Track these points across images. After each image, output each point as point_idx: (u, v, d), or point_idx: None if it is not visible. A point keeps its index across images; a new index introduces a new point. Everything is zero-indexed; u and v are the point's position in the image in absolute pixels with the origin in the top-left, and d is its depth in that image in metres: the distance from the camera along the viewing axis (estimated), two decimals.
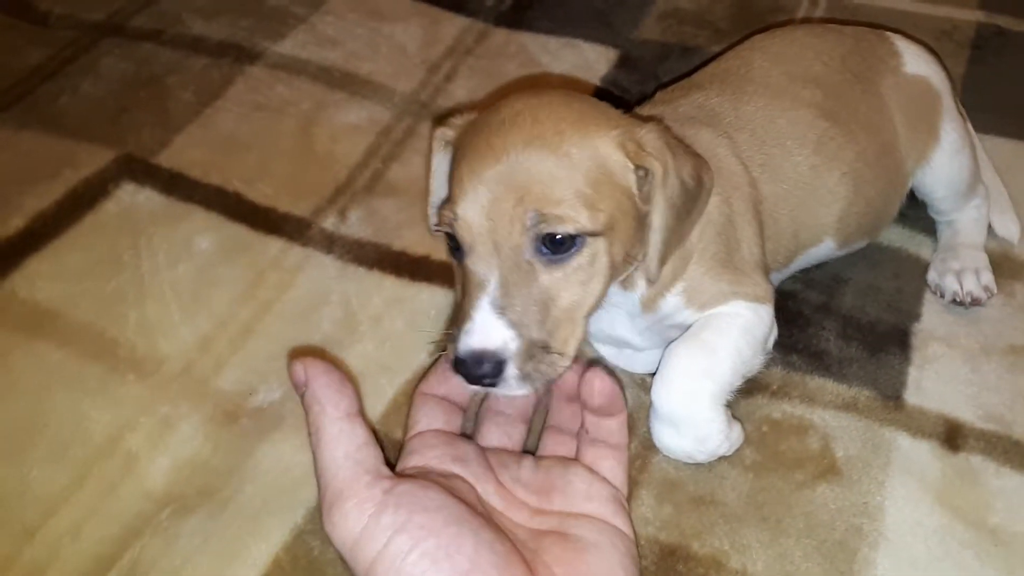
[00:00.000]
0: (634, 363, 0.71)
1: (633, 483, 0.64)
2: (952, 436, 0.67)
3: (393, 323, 0.76)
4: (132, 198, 0.84)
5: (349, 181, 0.89)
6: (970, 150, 0.79)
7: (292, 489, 0.64)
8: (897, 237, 0.83)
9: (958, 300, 0.76)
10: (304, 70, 1.00)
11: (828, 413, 0.68)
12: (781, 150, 0.69)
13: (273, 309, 0.77)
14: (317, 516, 0.62)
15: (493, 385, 0.56)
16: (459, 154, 0.59)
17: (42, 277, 0.77)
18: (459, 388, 0.60)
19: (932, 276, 0.79)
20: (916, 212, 0.83)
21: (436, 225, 0.59)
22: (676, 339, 0.64)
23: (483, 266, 0.55)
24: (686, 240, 0.62)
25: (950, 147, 0.76)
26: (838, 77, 0.74)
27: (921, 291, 0.78)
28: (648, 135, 0.57)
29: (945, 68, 0.81)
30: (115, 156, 0.87)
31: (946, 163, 0.77)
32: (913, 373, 0.72)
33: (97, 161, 0.87)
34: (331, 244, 0.82)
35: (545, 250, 0.55)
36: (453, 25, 1.08)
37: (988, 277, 0.77)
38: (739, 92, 0.72)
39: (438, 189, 0.65)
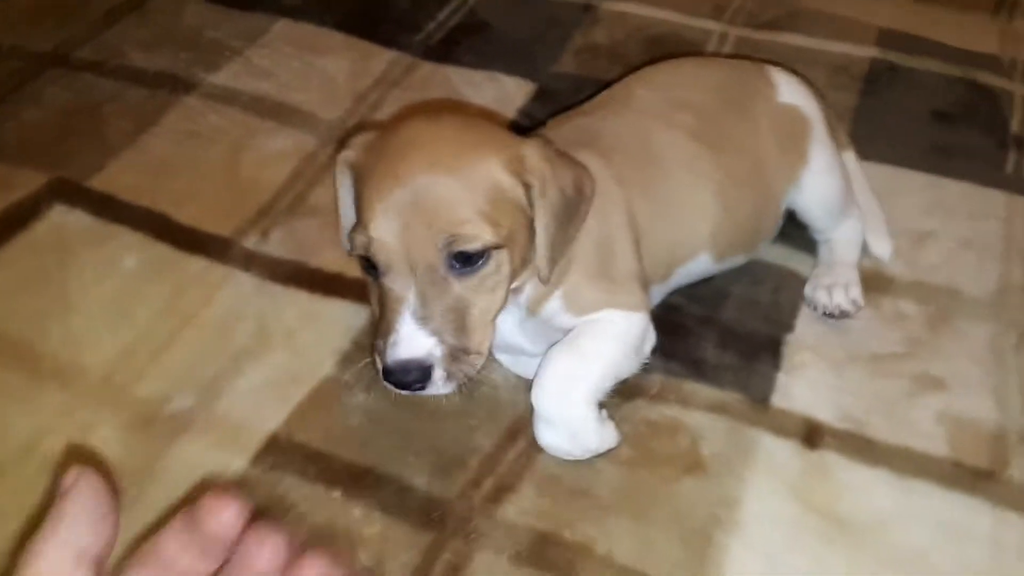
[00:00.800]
0: (528, 369, 0.77)
1: (517, 478, 0.70)
2: (811, 435, 0.74)
3: (304, 336, 0.81)
4: (63, 219, 0.89)
5: (272, 203, 0.94)
6: (840, 174, 0.86)
7: (194, 488, 0.69)
8: (779, 254, 0.90)
9: (828, 312, 0.82)
10: (236, 100, 1.06)
11: (700, 414, 0.74)
12: (654, 169, 0.76)
13: (192, 323, 0.82)
14: None
15: (422, 389, 0.62)
16: (363, 176, 0.65)
17: None
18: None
19: (807, 291, 0.85)
20: (797, 232, 0.90)
21: (350, 250, 0.64)
22: (554, 344, 0.71)
23: (401, 283, 0.62)
24: (572, 243, 0.68)
25: (819, 169, 0.84)
26: (713, 103, 0.82)
27: (797, 304, 0.85)
28: (529, 152, 0.64)
29: (819, 99, 0.89)
30: (48, 180, 0.93)
31: (816, 184, 0.84)
32: (782, 379, 0.78)
33: (31, 184, 0.92)
34: (250, 263, 0.87)
35: (456, 264, 0.62)
36: (382, 59, 1.14)
37: (856, 292, 0.84)
38: (618, 116, 0.79)
39: (346, 210, 0.70)
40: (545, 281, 0.67)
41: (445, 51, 1.17)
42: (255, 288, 0.85)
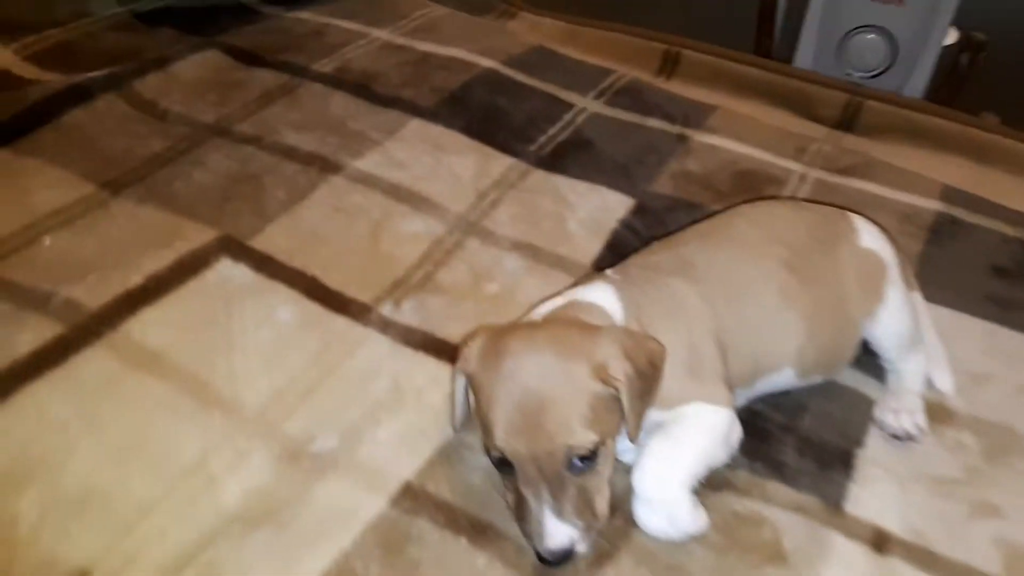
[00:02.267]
0: (623, 455, 0.87)
1: (616, 549, 0.79)
2: (880, 542, 0.82)
3: (432, 396, 0.92)
4: (229, 271, 1.02)
5: (405, 277, 1.07)
6: (911, 313, 0.98)
7: (342, 520, 0.79)
8: (851, 378, 1.00)
9: (895, 434, 0.92)
10: (377, 184, 1.20)
11: (780, 511, 0.84)
12: (746, 291, 0.89)
13: (336, 373, 0.93)
14: (362, 542, 0.77)
15: (568, 561, 0.75)
16: (480, 391, 0.78)
17: (153, 324, 0.94)
18: None
19: (877, 413, 0.95)
20: (869, 359, 1.00)
21: (487, 453, 0.78)
22: (652, 435, 0.81)
23: (533, 485, 0.75)
24: (653, 401, 0.80)
25: (893, 307, 0.95)
26: (804, 241, 0.95)
27: (867, 424, 0.95)
28: (611, 357, 0.76)
29: (895, 245, 1.02)
30: (217, 235, 1.06)
31: (889, 320, 0.95)
32: (853, 488, 0.87)
33: (202, 237, 1.05)
34: (386, 327, 0.99)
35: (576, 465, 0.75)
36: (501, 163, 1.29)
37: (921, 418, 0.94)
38: (715, 246, 0.93)
39: (459, 404, 0.84)
40: (634, 440, 0.79)
41: (554, 162, 1.31)
42: (390, 350, 0.97)
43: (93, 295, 0.95)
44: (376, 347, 0.97)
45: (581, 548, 0.75)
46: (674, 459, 0.79)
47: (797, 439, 0.92)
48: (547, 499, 0.74)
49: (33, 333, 0.90)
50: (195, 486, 0.80)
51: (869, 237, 0.99)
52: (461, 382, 0.82)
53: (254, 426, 0.87)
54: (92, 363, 0.89)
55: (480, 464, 0.86)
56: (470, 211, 1.19)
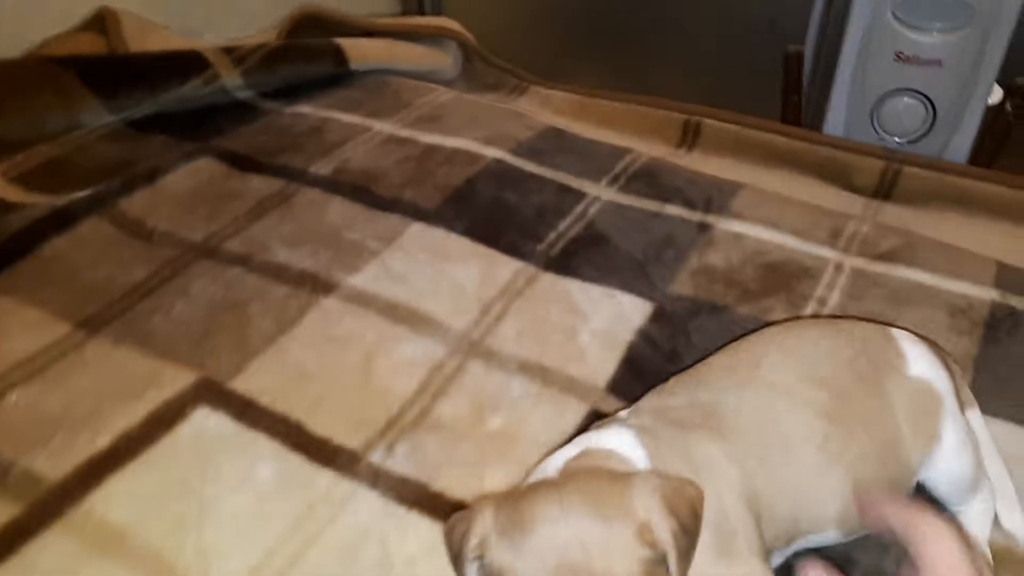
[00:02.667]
0: None
1: None
2: None
3: (426, 567, 0.82)
4: (205, 422, 0.94)
5: (399, 415, 0.97)
6: (972, 449, 0.84)
7: None
8: None
9: None
10: (372, 304, 1.11)
11: None
12: (779, 449, 0.77)
13: (318, 543, 0.84)
14: None
15: None
16: (505, 572, 0.64)
17: (118, 497, 0.85)
18: None
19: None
20: (924, 499, 0.88)
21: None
22: None
23: None
24: (694, 554, 0.68)
25: (951, 447, 0.82)
26: (844, 378, 0.82)
27: None
28: (653, 513, 0.64)
29: (946, 362, 0.89)
30: (195, 379, 0.98)
31: (948, 461, 0.82)
32: None
33: (179, 383, 0.97)
34: (376, 479, 0.90)
35: None
36: (507, 268, 1.20)
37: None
38: (743, 389, 0.81)
39: None
40: None
41: (564, 263, 1.22)
42: (380, 509, 0.87)
43: (55, 464, 0.87)
44: (364, 506, 0.87)
45: None
46: None
47: None
48: None
49: None
50: None
51: (919, 364, 0.86)
52: (473, 570, 0.67)
53: None
54: (49, 549, 0.80)
55: None
56: (473, 328, 1.10)
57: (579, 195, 1.36)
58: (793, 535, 0.78)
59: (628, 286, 1.17)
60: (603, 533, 0.63)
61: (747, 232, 1.28)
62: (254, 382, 0.99)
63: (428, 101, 1.62)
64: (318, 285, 1.14)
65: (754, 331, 0.91)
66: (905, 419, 0.82)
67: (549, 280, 1.19)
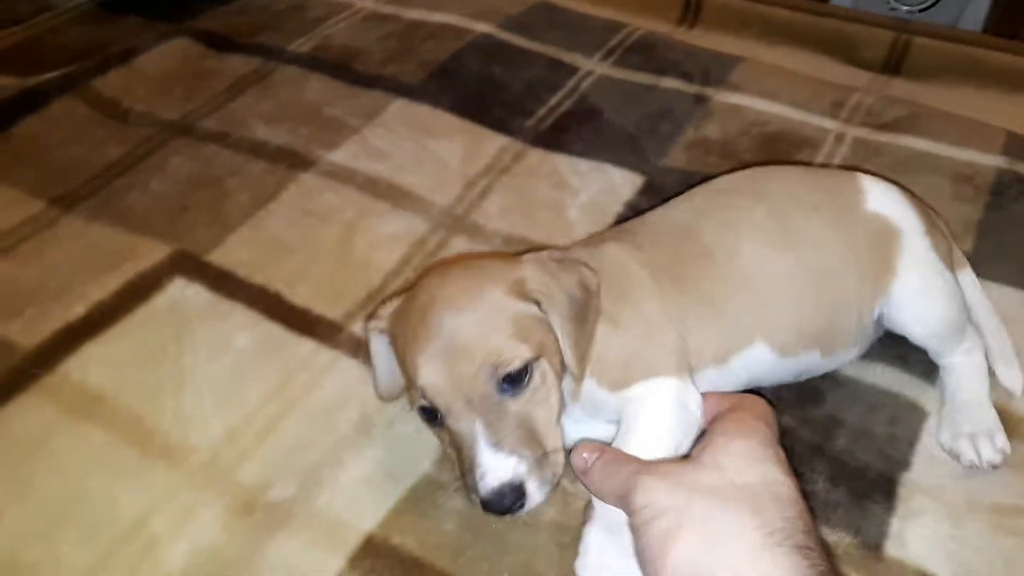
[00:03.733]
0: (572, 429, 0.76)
1: None
2: None
3: (405, 429, 0.81)
4: (182, 293, 0.92)
5: (381, 287, 0.95)
6: (946, 292, 0.82)
7: None
8: (895, 380, 0.86)
9: (974, 465, 0.77)
10: (352, 179, 1.08)
11: None
12: (696, 258, 0.78)
13: (297, 407, 0.83)
14: None
15: (521, 507, 0.66)
16: (398, 339, 0.72)
17: (94, 363, 0.85)
18: None
19: (945, 439, 0.79)
20: (916, 355, 0.86)
21: (412, 407, 0.71)
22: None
23: (465, 421, 0.67)
24: (594, 336, 0.72)
25: (913, 285, 0.80)
26: (793, 198, 0.82)
27: (914, 439, 0.80)
28: (528, 274, 0.71)
29: (925, 212, 0.86)
30: (171, 252, 0.96)
31: (910, 300, 0.80)
32: (896, 524, 0.73)
33: (154, 256, 0.96)
34: (357, 348, 0.88)
35: (507, 387, 0.67)
36: (493, 144, 1.16)
37: (1002, 439, 0.78)
38: (673, 210, 0.84)
39: (379, 366, 0.78)
40: (578, 379, 0.70)
41: (554, 138, 1.17)
42: (361, 376, 0.86)
43: (30, 332, 0.87)
44: (344, 374, 0.86)
45: (534, 489, 0.66)
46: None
47: (829, 463, 0.78)
48: (481, 432, 0.66)
49: None
50: (134, 552, 0.71)
51: (880, 199, 0.83)
52: (379, 342, 0.76)
53: (203, 476, 0.77)
54: (25, 413, 0.80)
55: (455, 507, 0.75)
56: (456, 204, 1.06)
57: (571, 69, 1.30)
58: (723, 350, 0.77)
59: (619, 160, 1.13)
60: (477, 289, 0.70)
61: (745, 103, 1.23)
62: (231, 255, 0.97)
63: None
64: (296, 161, 1.11)
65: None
66: (858, 248, 0.80)
67: (537, 156, 1.15)
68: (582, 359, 0.70)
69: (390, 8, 1.43)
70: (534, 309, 0.70)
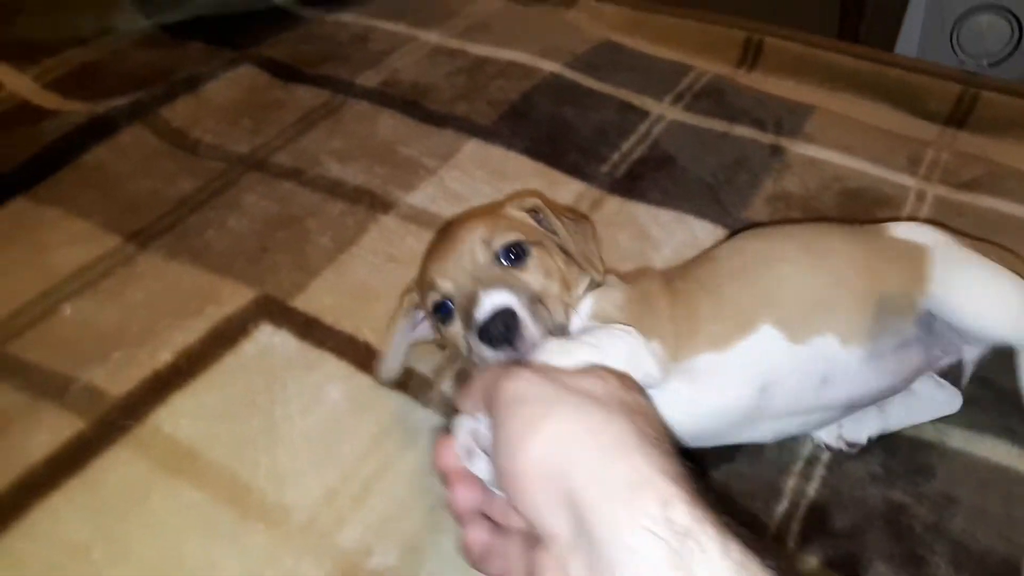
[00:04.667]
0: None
1: None
2: None
3: None
4: (269, 340, 0.89)
5: None
6: (995, 278, 0.80)
7: None
8: (1005, 454, 0.83)
9: None
10: (432, 223, 1.05)
11: None
12: (705, 262, 0.85)
13: (393, 468, 0.80)
14: None
15: (513, 341, 0.69)
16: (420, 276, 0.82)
17: (184, 414, 0.82)
18: None
19: None
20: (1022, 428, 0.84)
21: (428, 310, 0.79)
22: None
23: (469, 296, 0.73)
24: (595, 256, 0.82)
25: (954, 278, 0.79)
26: (824, 230, 0.86)
27: None
28: (527, 199, 0.85)
29: (953, 240, 0.85)
30: (255, 296, 0.93)
31: (959, 297, 0.78)
32: None
33: (238, 299, 0.93)
34: (449, 406, 0.86)
35: (509, 256, 0.76)
36: (569, 190, 1.13)
37: None
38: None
39: (394, 344, 0.84)
40: (599, 277, 0.81)
41: (631, 185, 1.15)
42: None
43: (117, 379, 0.83)
44: (438, 433, 0.83)
45: (525, 317, 0.70)
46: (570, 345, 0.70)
47: (950, 545, 0.76)
48: (485, 285, 0.73)
49: (50, 432, 0.78)
50: None
51: (903, 229, 0.85)
52: (406, 320, 0.84)
53: (302, 539, 0.74)
54: (116, 467, 0.77)
55: None
56: None
57: (642, 113, 1.29)
58: (727, 332, 0.76)
59: (700, 211, 1.11)
60: (482, 210, 0.84)
61: (822, 157, 1.21)
62: (316, 300, 0.94)
63: (475, 10, 1.53)
64: (375, 202, 1.08)
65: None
66: (885, 259, 0.80)
67: (615, 204, 1.13)
68: (590, 261, 0.80)
69: (455, 43, 1.42)
70: (532, 220, 0.83)
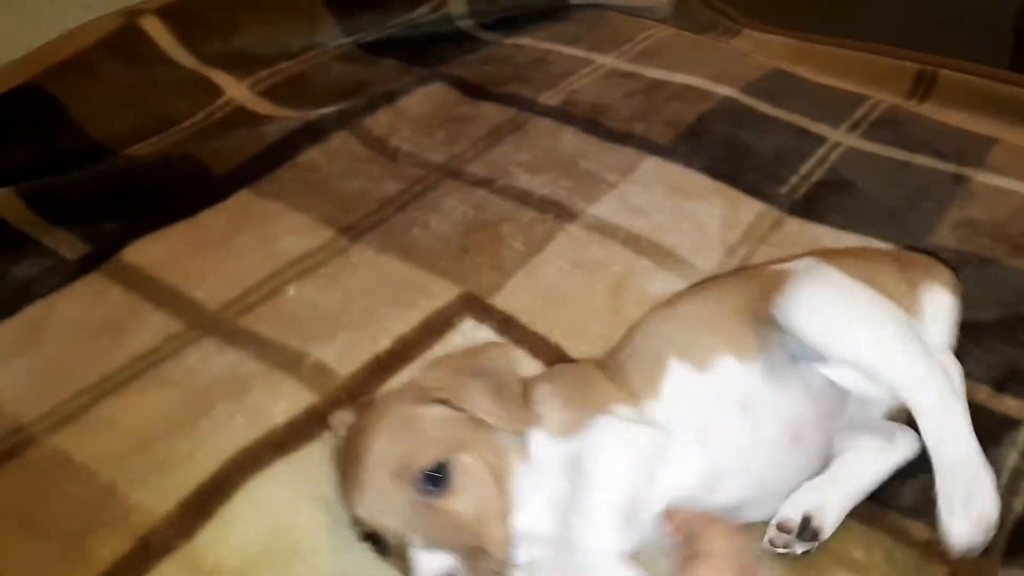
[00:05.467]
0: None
1: None
2: None
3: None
4: (474, 333, 0.96)
5: None
6: (844, 295, 0.80)
7: None
8: None
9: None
10: (615, 234, 1.10)
11: None
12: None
13: None
14: None
15: None
16: (337, 475, 0.74)
17: None
18: None
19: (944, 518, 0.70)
20: None
21: (361, 539, 0.71)
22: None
23: (401, 533, 0.67)
24: (511, 405, 0.74)
25: (802, 292, 0.79)
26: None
27: None
28: (427, 377, 0.77)
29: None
30: (459, 292, 1.01)
31: (804, 306, 0.78)
32: None
33: (445, 294, 1.00)
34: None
35: (429, 488, 0.68)
36: (749, 209, 1.16)
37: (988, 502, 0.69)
38: None
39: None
40: (526, 423, 0.73)
41: (811, 208, 1.17)
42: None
43: (343, 359, 0.91)
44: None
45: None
46: (594, 506, 0.69)
47: None
48: (414, 540, 0.66)
49: (288, 401, 0.87)
50: None
51: (785, 264, 0.88)
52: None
53: None
54: None
55: None
56: (718, 269, 1.07)
57: (818, 139, 1.30)
58: (647, 376, 0.79)
59: (883, 235, 1.11)
60: (382, 414, 0.73)
61: (1010, 187, 1.19)
62: (512, 300, 1.01)
63: (647, 36, 1.58)
64: (562, 212, 1.14)
65: None
66: (756, 281, 0.85)
67: (796, 225, 1.14)
68: (508, 417, 0.72)
69: (630, 67, 1.47)
70: (440, 408, 0.72)
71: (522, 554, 0.72)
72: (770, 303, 0.80)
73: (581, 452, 0.72)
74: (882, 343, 0.76)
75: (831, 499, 0.77)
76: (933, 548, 0.74)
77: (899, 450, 0.80)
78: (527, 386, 0.78)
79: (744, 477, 0.76)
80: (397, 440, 0.70)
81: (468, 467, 0.70)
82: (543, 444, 0.74)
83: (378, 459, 0.69)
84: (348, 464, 0.71)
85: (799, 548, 0.76)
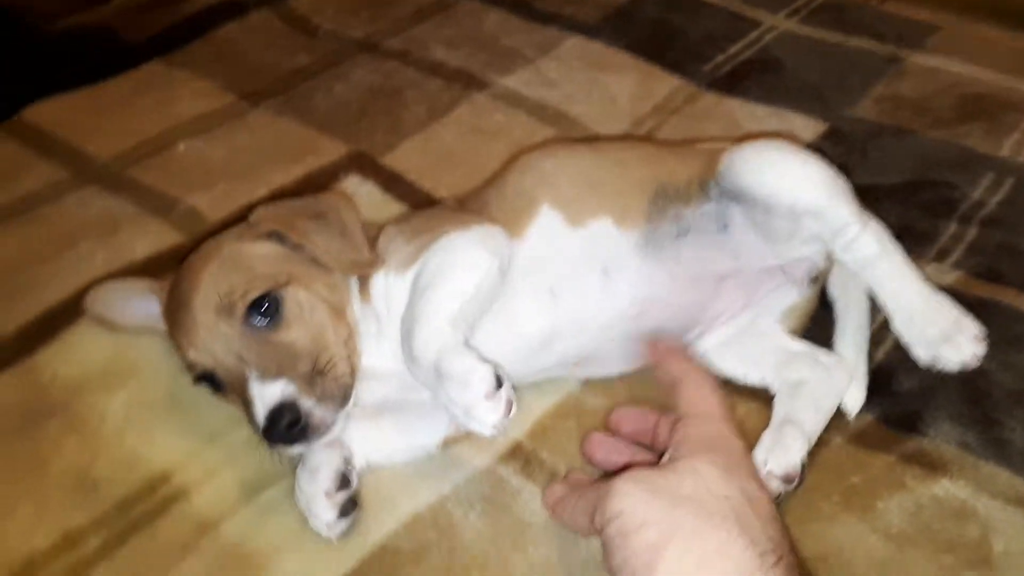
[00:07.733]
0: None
1: None
2: None
3: None
4: (356, 188, 0.95)
5: None
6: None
7: None
8: None
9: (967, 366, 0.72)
10: (522, 104, 1.09)
11: (996, 504, 0.64)
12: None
13: None
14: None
15: (304, 432, 0.63)
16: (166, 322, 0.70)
17: None
18: None
19: (923, 354, 0.73)
20: None
21: (195, 381, 0.68)
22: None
23: (235, 369, 0.64)
24: (355, 246, 0.70)
25: (746, 155, 0.76)
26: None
27: None
28: (258, 215, 0.71)
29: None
30: (349, 151, 1.00)
31: (748, 163, 0.76)
32: None
33: (333, 153, 1.00)
34: None
35: (259, 320, 0.65)
36: (666, 84, 1.13)
37: (971, 325, 0.73)
38: None
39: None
40: (369, 266, 0.70)
41: (731, 84, 1.13)
42: None
43: (216, 206, 0.92)
44: None
45: (309, 404, 0.63)
46: (430, 309, 0.65)
47: None
48: (249, 371, 0.63)
49: (152, 238, 0.87)
50: None
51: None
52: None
53: None
54: None
55: None
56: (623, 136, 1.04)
57: (753, 23, 1.26)
58: (512, 218, 0.74)
59: (800, 107, 1.08)
60: (210, 253, 0.68)
61: (943, 66, 1.14)
62: (403, 160, 1.00)
63: None
64: (472, 82, 1.12)
65: None
66: (677, 155, 0.82)
67: (711, 99, 1.11)
68: (353, 261, 0.69)
69: None
70: (270, 245, 0.69)
71: (368, 392, 0.70)
72: (701, 177, 0.77)
73: (419, 272, 0.70)
74: (833, 195, 0.76)
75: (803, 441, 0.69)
76: None
77: (840, 375, 0.74)
78: (380, 232, 0.75)
79: (574, 342, 0.73)
80: (223, 277, 0.66)
81: (298, 299, 0.67)
82: (384, 282, 0.71)
83: (203, 298, 0.66)
84: (176, 307, 0.68)
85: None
